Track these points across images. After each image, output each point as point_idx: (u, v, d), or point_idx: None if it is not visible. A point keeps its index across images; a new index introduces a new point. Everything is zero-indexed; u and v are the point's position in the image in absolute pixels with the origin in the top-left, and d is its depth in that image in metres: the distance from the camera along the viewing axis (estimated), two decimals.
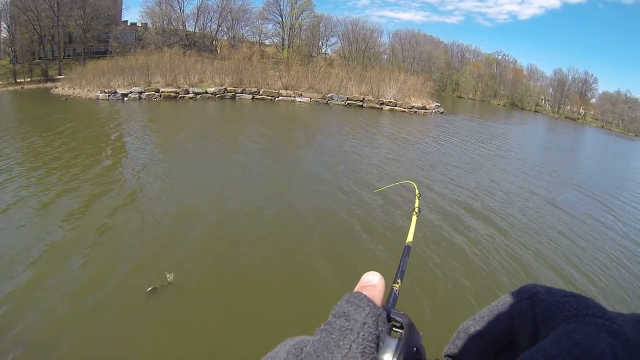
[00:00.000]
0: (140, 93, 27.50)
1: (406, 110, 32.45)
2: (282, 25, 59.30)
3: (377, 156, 14.96)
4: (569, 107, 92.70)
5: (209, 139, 15.53)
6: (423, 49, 70.66)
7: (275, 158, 13.41)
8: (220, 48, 52.96)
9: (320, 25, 62.88)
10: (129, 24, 55.32)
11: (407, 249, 1.18)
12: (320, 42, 64.94)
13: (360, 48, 62.67)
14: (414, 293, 5.85)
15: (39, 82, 40.31)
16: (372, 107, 32.13)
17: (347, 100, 32.29)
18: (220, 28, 56.18)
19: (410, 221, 1.62)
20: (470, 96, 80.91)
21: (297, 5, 58.46)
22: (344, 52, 63.75)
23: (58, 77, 40.65)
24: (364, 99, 32.67)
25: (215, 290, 5.61)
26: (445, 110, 36.36)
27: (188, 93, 28.86)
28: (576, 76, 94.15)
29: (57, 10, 45.55)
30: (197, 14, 54.48)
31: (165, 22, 52.17)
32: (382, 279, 0.46)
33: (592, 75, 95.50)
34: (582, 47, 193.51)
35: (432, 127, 25.89)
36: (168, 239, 6.87)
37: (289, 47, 57.63)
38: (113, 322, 4.79)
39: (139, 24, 54.41)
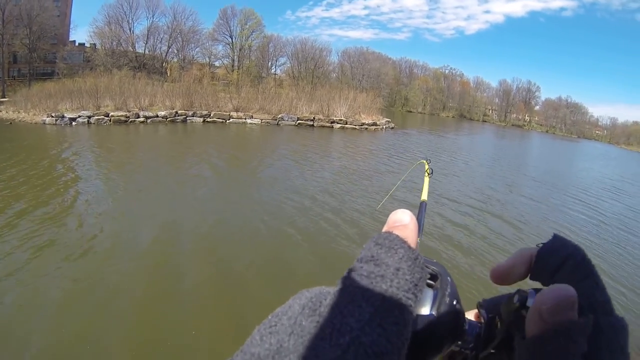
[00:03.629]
0: (89, 117, 27.05)
1: (357, 127, 33.54)
2: (232, 46, 60.13)
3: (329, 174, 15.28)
4: (514, 115, 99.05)
5: (159, 168, 15.24)
6: (372, 66, 73.54)
7: (227, 187, 13.18)
8: (171, 70, 53.06)
9: (269, 45, 64.21)
10: (77, 44, 54.29)
11: (424, 205, 1.20)
12: (269, 63, 66.21)
13: (310, 67, 64.39)
14: None
15: None
16: (323, 126, 32.95)
17: (297, 120, 32.89)
18: (170, 49, 56.48)
19: (423, 182, 1.75)
20: (420, 110, 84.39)
21: (247, 26, 59.88)
22: (293, 72, 65.09)
23: (1, 99, 39.45)
24: (314, 118, 33.42)
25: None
26: (395, 125, 37.99)
27: (138, 117, 28.64)
28: (520, 85, 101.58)
29: (1, 27, 44.02)
30: (147, 34, 54.80)
31: (114, 43, 51.76)
32: (414, 218, 0.39)
33: (535, 84, 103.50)
34: (525, 58, 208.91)
35: (382, 142, 27.50)
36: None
37: (239, 69, 58.36)
38: None
39: (87, 45, 53.38)
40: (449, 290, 0.40)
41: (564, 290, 0.33)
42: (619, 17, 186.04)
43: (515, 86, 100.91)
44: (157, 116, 29.37)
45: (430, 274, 0.41)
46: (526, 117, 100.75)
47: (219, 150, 19.50)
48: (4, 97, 39.87)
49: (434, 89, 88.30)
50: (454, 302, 0.40)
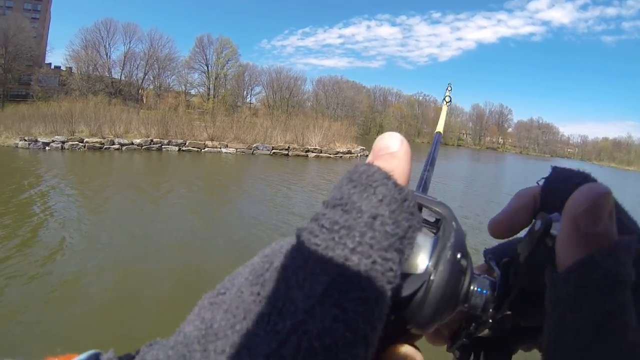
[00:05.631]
0: (63, 142, 26.83)
1: (332, 156, 33.76)
2: (208, 74, 60.53)
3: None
4: (488, 138, 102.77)
5: (137, 199, 14.31)
6: (346, 95, 74.58)
7: (211, 221, 12.30)
8: (146, 97, 53.16)
9: (245, 74, 64.70)
10: (52, 67, 54.02)
11: (438, 136, 1.11)
12: (244, 92, 66.70)
13: (285, 96, 64.95)
14: None
15: None
16: (298, 155, 32.87)
17: (272, 149, 32.86)
18: (146, 76, 56.72)
19: (441, 111, 1.74)
20: None
21: (223, 55, 60.51)
22: (268, 101, 65.42)
23: None
24: (289, 147, 33.46)
25: None
26: None
27: (113, 144, 28.41)
28: (492, 109, 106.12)
29: None
30: (124, 60, 55.12)
31: (90, 67, 51.56)
32: (406, 143, 0.30)
33: (507, 107, 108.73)
34: (496, 82, 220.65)
35: None
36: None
37: (214, 97, 58.67)
38: None
39: (63, 68, 53.01)
40: (452, 240, 0.28)
41: (598, 187, 0.26)
42: (585, 40, 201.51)
43: (488, 110, 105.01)
44: (133, 144, 29.18)
45: (426, 220, 0.32)
46: (500, 140, 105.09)
47: (199, 179, 19.26)
48: None
49: (408, 116, 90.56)
50: (458, 256, 0.28)
